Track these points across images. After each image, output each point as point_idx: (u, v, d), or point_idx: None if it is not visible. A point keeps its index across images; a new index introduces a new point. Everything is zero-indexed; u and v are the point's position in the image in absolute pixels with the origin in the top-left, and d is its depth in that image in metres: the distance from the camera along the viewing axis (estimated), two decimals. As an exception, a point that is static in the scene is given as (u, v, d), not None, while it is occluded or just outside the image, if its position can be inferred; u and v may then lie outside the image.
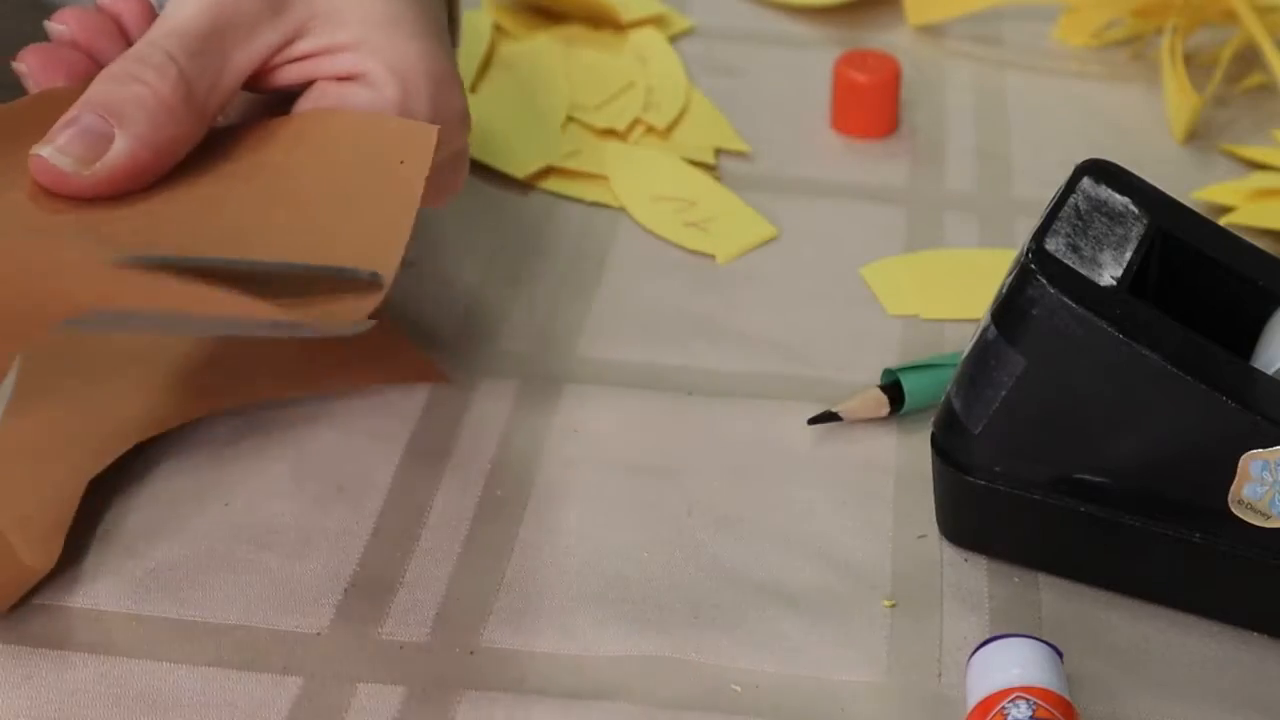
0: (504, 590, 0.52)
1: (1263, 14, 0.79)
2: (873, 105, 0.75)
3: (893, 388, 0.59)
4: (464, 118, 0.56)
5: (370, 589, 0.52)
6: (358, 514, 0.55)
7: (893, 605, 0.52)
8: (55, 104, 0.52)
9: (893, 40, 0.82)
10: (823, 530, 0.55)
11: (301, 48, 0.54)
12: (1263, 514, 0.49)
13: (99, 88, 0.51)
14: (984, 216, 0.71)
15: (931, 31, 0.83)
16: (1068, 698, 0.47)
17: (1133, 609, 0.52)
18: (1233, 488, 0.49)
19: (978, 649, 0.48)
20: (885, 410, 0.59)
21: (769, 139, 0.75)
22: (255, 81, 0.54)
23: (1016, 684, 0.46)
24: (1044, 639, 0.48)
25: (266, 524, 0.54)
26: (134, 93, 0.50)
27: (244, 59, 0.53)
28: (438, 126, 0.53)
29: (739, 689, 0.50)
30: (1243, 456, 0.49)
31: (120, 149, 0.50)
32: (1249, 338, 0.53)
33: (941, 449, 0.53)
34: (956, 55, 0.82)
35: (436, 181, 0.55)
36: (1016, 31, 0.84)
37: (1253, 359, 0.52)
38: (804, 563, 0.54)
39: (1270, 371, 0.50)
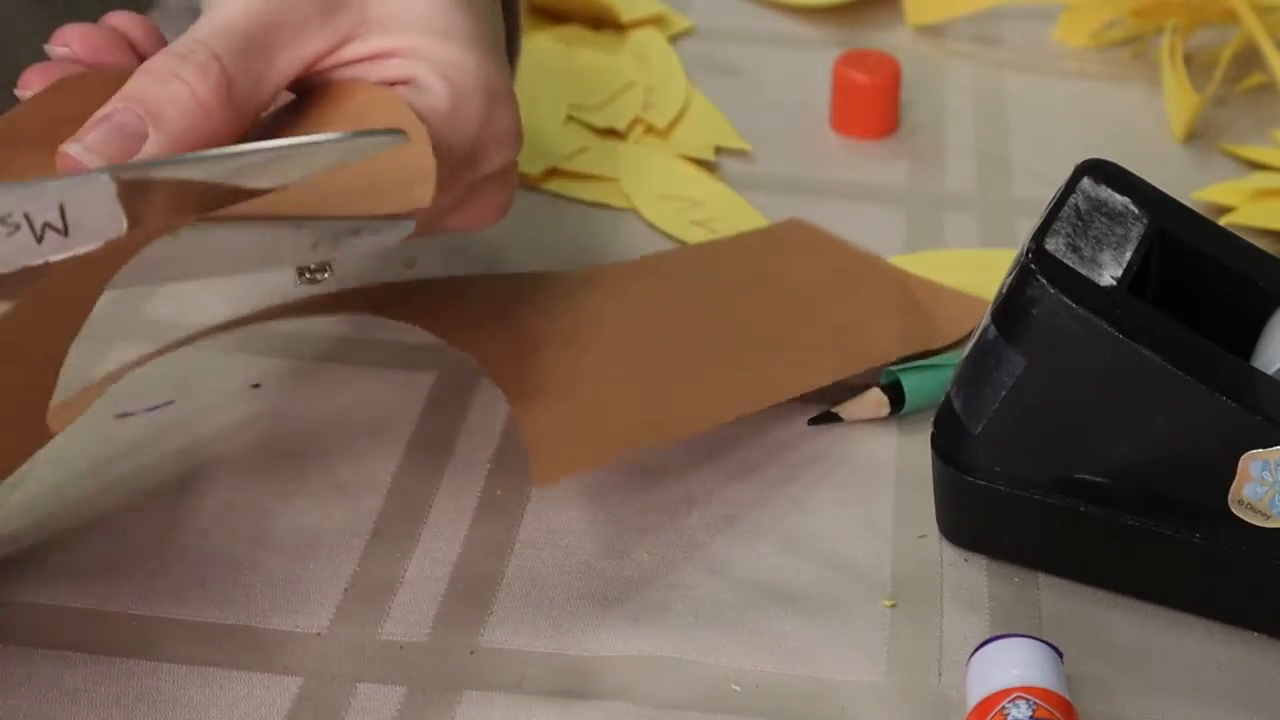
0: (504, 590, 0.52)
1: (1263, 14, 0.79)
2: (873, 105, 0.75)
3: (893, 388, 0.59)
4: (514, 136, 0.54)
5: (370, 589, 0.52)
6: (358, 514, 0.55)
7: (893, 605, 0.52)
8: (89, 90, 0.51)
9: (893, 40, 0.82)
10: (823, 530, 0.55)
11: (350, 52, 0.52)
12: (1263, 514, 0.49)
13: (138, 82, 0.50)
14: (984, 216, 0.71)
15: (931, 31, 0.83)
16: (1068, 698, 0.47)
17: (1133, 609, 0.52)
18: (1233, 488, 0.49)
19: (978, 649, 0.48)
20: (885, 410, 0.59)
21: (769, 139, 0.75)
22: (301, 83, 0.53)
23: (1016, 684, 0.46)
24: (1044, 639, 0.48)
25: (266, 524, 0.54)
26: (172, 91, 0.49)
27: (289, 61, 0.52)
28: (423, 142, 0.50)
29: (739, 689, 0.50)
30: (1243, 456, 0.49)
31: (151, 149, 0.49)
32: (1249, 338, 0.53)
33: (941, 449, 0.53)
34: (956, 55, 0.82)
35: (480, 198, 0.54)
36: (1016, 31, 0.84)
37: (1253, 359, 0.52)
38: (804, 563, 0.54)
39: (1270, 371, 0.50)
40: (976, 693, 0.47)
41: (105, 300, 0.64)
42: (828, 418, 0.59)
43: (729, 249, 0.67)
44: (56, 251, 0.45)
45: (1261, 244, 0.55)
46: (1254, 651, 0.51)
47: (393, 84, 0.52)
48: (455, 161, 0.52)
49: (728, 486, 0.56)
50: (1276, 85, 0.77)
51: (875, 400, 0.59)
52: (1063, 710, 0.46)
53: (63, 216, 0.45)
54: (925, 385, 0.59)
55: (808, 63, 0.80)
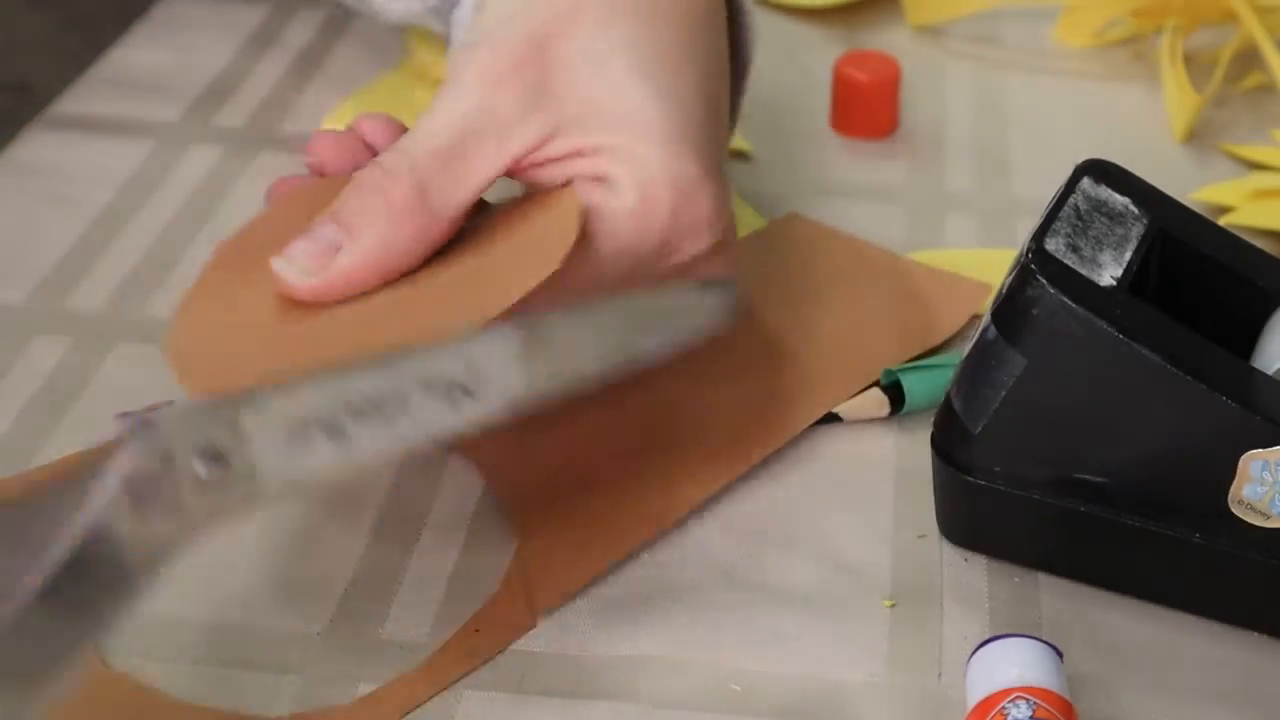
0: (504, 590, 0.52)
1: (1263, 14, 0.79)
2: (873, 105, 0.75)
3: (893, 388, 0.59)
4: (708, 225, 0.55)
5: (370, 589, 0.52)
6: (358, 514, 0.55)
7: (892, 605, 0.52)
8: (321, 198, 0.53)
9: (893, 40, 0.82)
10: (823, 530, 0.55)
11: (556, 148, 0.53)
12: (1263, 514, 0.49)
13: (346, 194, 0.52)
14: (984, 216, 0.71)
15: (931, 31, 0.83)
16: (1068, 698, 0.47)
17: (1133, 609, 0.52)
18: (1233, 488, 0.49)
19: (978, 649, 0.48)
20: (885, 410, 0.59)
21: (769, 139, 0.75)
22: (512, 176, 0.54)
23: (1016, 684, 0.46)
24: (1044, 639, 0.48)
25: (267, 524, 0.54)
26: (370, 203, 0.51)
27: (491, 164, 0.53)
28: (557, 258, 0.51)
29: (739, 688, 0.50)
30: (1243, 456, 0.49)
31: (343, 260, 0.51)
32: (1249, 338, 0.53)
33: (941, 449, 0.53)
34: (956, 55, 0.82)
35: (692, 276, 0.55)
36: (1016, 31, 0.84)
37: (1253, 359, 0.52)
38: (804, 562, 0.54)
39: (1270, 371, 0.50)
40: (976, 692, 0.47)
41: (106, 299, 0.64)
42: (828, 418, 0.59)
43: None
44: (472, 414, 0.44)
45: (1261, 244, 0.55)
46: (1254, 651, 0.51)
47: (595, 179, 0.53)
48: (643, 256, 0.54)
49: (728, 486, 0.56)
50: (1276, 85, 0.77)
51: (875, 400, 0.59)
52: (1063, 710, 0.46)
53: (474, 376, 0.44)
54: (925, 385, 0.59)
55: (808, 63, 0.80)
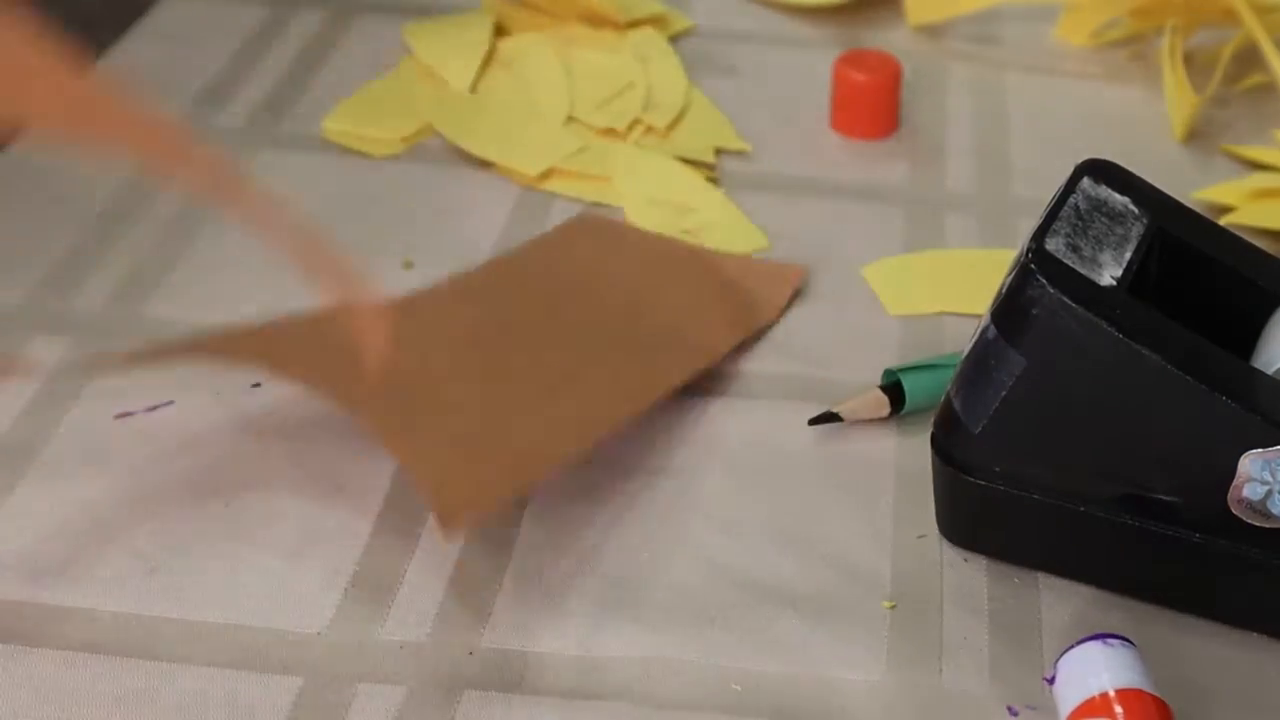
0: (504, 590, 0.53)
1: (1263, 14, 0.79)
2: (873, 105, 0.75)
3: (893, 388, 0.59)
4: None
5: (370, 589, 0.52)
6: (358, 514, 0.55)
7: (892, 607, 0.52)
8: None
9: (893, 40, 0.82)
10: (822, 530, 0.55)
11: None
12: (1263, 514, 0.49)
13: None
14: (984, 216, 0.71)
15: (931, 31, 0.83)
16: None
17: (1133, 609, 0.52)
18: (1233, 488, 0.49)
19: (1068, 650, 0.48)
20: (885, 410, 0.59)
21: (769, 139, 0.75)
22: None
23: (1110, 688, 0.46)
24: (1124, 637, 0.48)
25: (266, 524, 0.54)
26: None
27: None
28: None
29: (739, 689, 0.50)
30: (1243, 456, 0.49)
31: None
32: (1249, 338, 0.53)
33: (941, 449, 0.53)
34: (956, 55, 0.82)
35: None
36: (1016, 31, 0.84)
37: (1253, 359, 0.52)
38: (804, 563, 0.54)
39: (1270, 371, 0.50)
40: (1071, 698, 0.47)
41: (105, 300, 0.64)
42: (828, 418, 0.59)
43: (532, 257, 0.66)
44: None
45: (1261, 244, 0.55)
46: (1254, 652, 0.51)
47: None
48: None
49: (728, 486, 0.56)
50: (1276, 85, 0.77)
51: (875, 400, 0.59)
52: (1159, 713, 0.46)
53: None
54: (925, 385, 0.59)
55: (808, 63, 0.80)
